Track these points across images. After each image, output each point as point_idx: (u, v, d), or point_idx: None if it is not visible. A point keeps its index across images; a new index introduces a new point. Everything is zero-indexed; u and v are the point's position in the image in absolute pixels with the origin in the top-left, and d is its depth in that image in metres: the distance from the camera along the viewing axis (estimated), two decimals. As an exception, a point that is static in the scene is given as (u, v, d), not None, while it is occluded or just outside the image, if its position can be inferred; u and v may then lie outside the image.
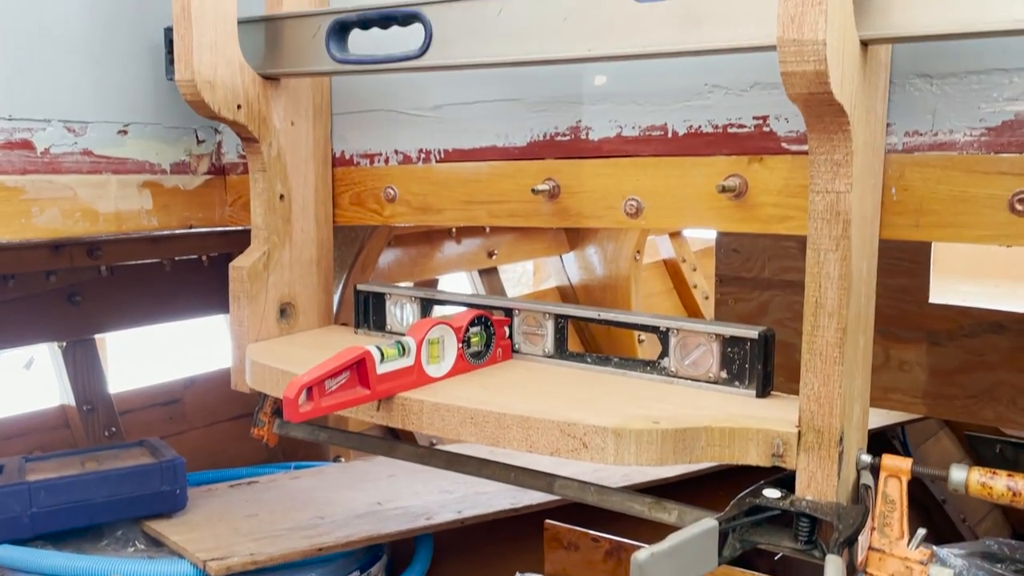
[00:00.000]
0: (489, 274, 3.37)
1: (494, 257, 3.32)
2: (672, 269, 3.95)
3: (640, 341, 3.43)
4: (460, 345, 1.31)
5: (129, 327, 2.55)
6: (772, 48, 0.95)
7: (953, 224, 1.09)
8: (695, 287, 3.91)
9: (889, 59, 1.09)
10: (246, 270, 1.49)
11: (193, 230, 1.74)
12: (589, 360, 1.37)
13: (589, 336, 3.52)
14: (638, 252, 3.51)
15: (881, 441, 3.17)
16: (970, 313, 1.97)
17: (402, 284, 1.66)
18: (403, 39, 1.34)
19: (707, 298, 3.86)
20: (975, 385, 1.92)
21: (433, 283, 3.24)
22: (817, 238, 1.04)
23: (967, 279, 3.23)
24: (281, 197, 1.54)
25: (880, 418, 2.90)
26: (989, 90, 1.05)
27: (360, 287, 1.57)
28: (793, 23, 0.90)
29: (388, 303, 1.55)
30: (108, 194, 1.58)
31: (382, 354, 1.19)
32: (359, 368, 1.18)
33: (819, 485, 1.06)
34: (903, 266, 2.00)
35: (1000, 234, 1.06)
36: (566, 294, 3.63)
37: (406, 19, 1.34)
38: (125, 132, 1.61)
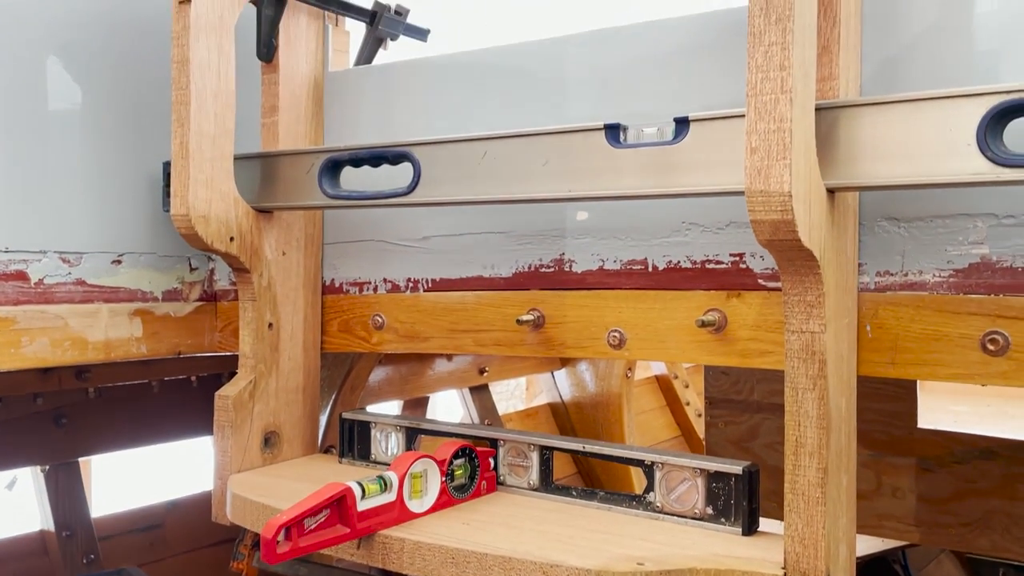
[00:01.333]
0: (480, 392, 3.36)
1: (485, 374, 3.32)
2: (665, 385, 3.94)
3: (633, 460, 3.39)
4: (443, 479, 1.30)
5: (115, 449, 2.52)
6: (743, 193, 0.99)
7: (928, 362, 1.11)
8: (688, 404, 3.90)
9: (857, 203, 1.13)
10: (231, 399, 1.49)
11: (176, 358, 1.75)
12: (575, 493, 1.36)
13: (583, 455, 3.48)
14: (630, 369, 3.52)
15: (882, 567, 3.08)
16: (960, 439, 1.96)
17: (388, 413, 1.65)
18: (393, 175, 1.39)
19: (700, 415, 3.83)
20: (968, 513, 1.90)
21: (424, 401, 3.23)
22: (794, 377, 1.05)
23: (959, 399, 3.23)
24: (270, 326, 1.56)
25: (879, 542, 2.83)
26: (955, 234, 1.09)
27: (345, 415, 1.57)
28: (760, 175, 0.94)
29: (373, 431, 1.54)
30: (99, 323, 1.60)
31: (363, 490, 1.18)
32: (340, 505, 1.16)
33: (807, 631, 1.03)
34: (890, 390, 2.01)
35: (974, 373, 1.07)
36: (558, 411, 3.61)
37: (396, 158, 1.40)
38: (119, 261, 1.64)
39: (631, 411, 3.55)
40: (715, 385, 2.30)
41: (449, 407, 4.29)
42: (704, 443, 2.43)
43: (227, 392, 1.50)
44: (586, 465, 3.50)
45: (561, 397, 3.61)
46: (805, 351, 1.04)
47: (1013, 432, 2.15)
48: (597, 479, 3.43)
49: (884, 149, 0.99)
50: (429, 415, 4.39)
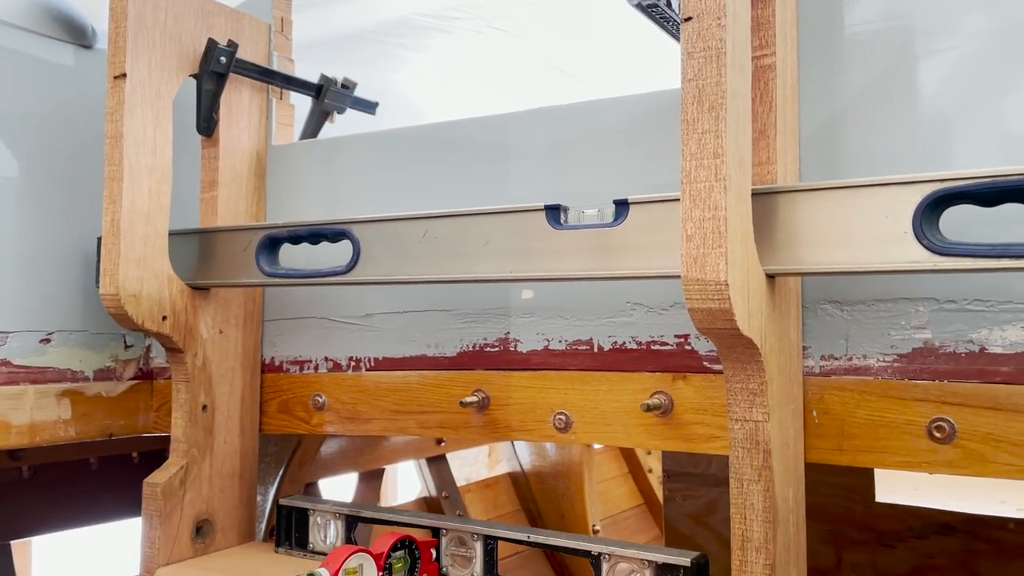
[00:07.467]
0: (438, 462, 3.27)
1: (443, 444, 3.24)
2: (626, 453, 3.88)
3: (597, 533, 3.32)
4: (381, 573, 1.24)
5: (52, 531, 2.40)
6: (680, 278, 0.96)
7: (875, 449, 1.08)
8: (650, 471, 3.84)
9: (799, 287, 1.12)
10: (160, 487, 1.41)
11: (113, 439, 1.67)
12: (519, 585, 1.30)
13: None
14: (590, 437, 3.46)
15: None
16: (919, 513, 1.93)
17: (327, 499, 1.58)
18: (339, 250, 1.35)
19: (662, 482, 3.77)
20: (930, 591, 1.86)
21: (379, 473, 3.14)
22: (739, 467, 1.01)
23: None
24: (204, 408, 1.49)
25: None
26: (897, 318, 1.07)
27: (282, 502, 1.49)
28: (695, 263, 0.92)
29: (312, 519, 1.47)
30: (24, 405, 1.52)
31: (292, 590, 1.11)
32: (265, 608, 1.09)
33: None
34: (847, 464, 1.98)
35: (921, 461, 1.05)
36: (518, 481, 3.53)
37: (335, 236, 1.36)
38: (48, 340, 1.57)
39: (592, 480, 3.48)
40: (672, 458, 2.26)
41: (410, 476, 4.19)
42: (663, 517, 2.37)
43: (156, 479, 1.43)
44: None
45: (521, 466, 3.53)
46: (749, 440, 1.00)
47: (973, 501, 2.13)
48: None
49: (823, 235, 0.98)
50: (390, 485, 4.29)
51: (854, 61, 1.12)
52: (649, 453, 3.87)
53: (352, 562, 1.20)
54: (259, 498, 2.29)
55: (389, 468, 3.34)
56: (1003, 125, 1.04)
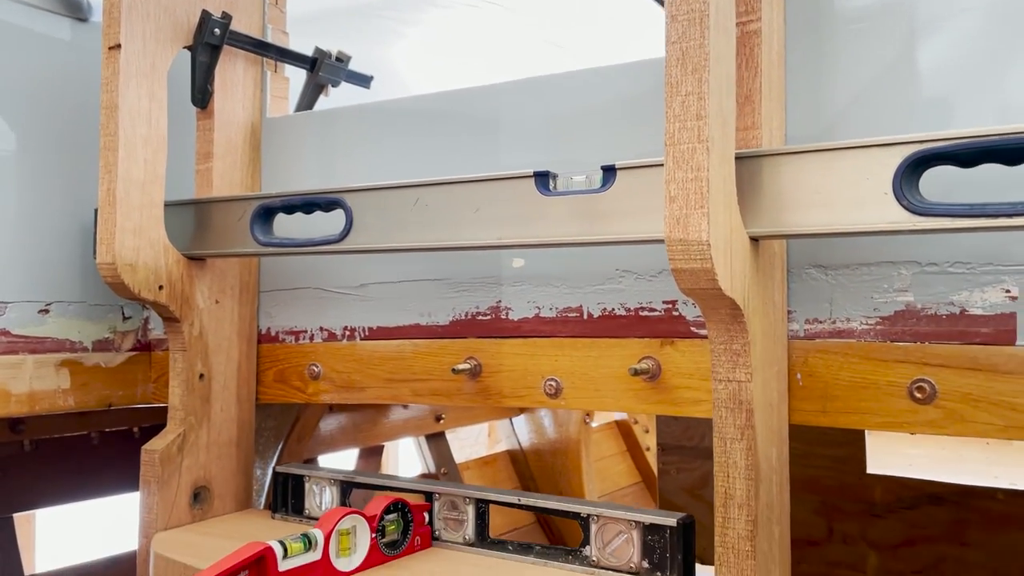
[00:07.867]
0: (436, 439, 3.30)
1: (442, 422, 3.27)
2: (625, 431, 3.91)
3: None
4: (374, 535, 1.26)
5: (53, 504, 2.43)
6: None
7: (857, 411, 1.09)
8: (648, 449, 3.87)
9: (784, 251, 1.13)
10: (158, 454, 1.44)
11: (112, 409, 1.69)
12: (511, 548, 1.32)
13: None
14: (588, 415, 3.49)
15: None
16: (909, 484, 1.96)
17: (323, 466, 1.61)
18: (333, 221, 1.37)
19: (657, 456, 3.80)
20: (919, 560, 1.88)
21: (379, 450, 3.17)
22: (722, 427, 1.03)
23: (916, 442, 3.23)
24: (201, 376, 1.51)
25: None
26: (880, 281, 1.09)
27: (279, 469, 1.52)
28: (679, 224, 0.94)
29: (307, 485, 1.50)
30: (23, 374, 1.54)
31: (285, 549, 1.13)
32: (259, 566, 1.11)
33: None
34: (839, 436, 2.00)
35: (902, 421, 1.06)
36: (516, 458, 3.56)
37: (328, 205, 1.38)
38: (47, 311, 1.59)
39: (590, 458, 3.51)
40: (667, 431, 2.28)
41: (409, 454, 4.22)
42: (658, 490, 2.40)
43: (154, 446, 1.45)
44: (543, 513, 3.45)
45: (520, 444, 3.56)
46: (732, 400, 1.02)
47: (967, 476, 2.15)
48: (555, 523, 3.38)
49: (806, 197, 0.99)
50: (390, 462, 4.32)
51: (843, 31, 1.13)
52: (647, 431, 3.90)
53: (346, 523, 1.22)
54: (258, 472, 2.32)
55: (389, 446, 3.37)
56: (1000, 99, 1.04)
